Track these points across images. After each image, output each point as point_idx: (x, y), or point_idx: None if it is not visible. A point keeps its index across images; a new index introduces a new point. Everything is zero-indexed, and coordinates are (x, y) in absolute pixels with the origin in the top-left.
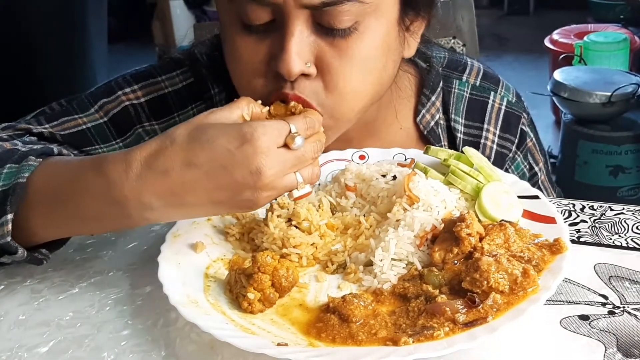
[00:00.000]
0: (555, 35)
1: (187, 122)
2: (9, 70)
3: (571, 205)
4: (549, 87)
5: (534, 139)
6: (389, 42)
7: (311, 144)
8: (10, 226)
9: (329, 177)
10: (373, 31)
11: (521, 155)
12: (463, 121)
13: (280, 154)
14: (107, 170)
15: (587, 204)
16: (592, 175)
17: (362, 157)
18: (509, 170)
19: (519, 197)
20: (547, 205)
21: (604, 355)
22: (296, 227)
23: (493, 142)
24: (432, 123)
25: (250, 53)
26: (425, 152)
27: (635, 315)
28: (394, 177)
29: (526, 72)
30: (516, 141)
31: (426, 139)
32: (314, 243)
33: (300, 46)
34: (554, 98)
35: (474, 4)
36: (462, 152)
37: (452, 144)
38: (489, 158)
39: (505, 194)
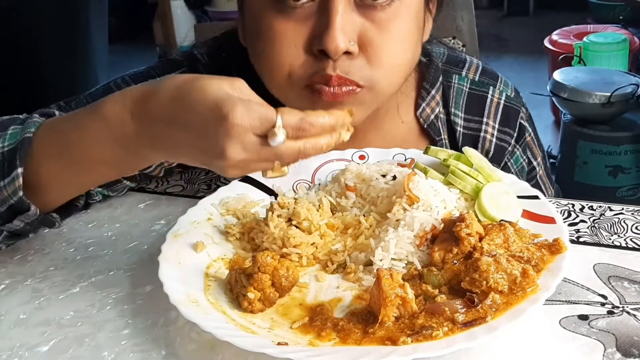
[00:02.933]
0: (555, 35)
1: (184, 76)
2: (11, 69)
3: (570, 205)
4: (548, 88)
5: (532, 134)
6: (419, 19)
7: (296, 144)
8: (21, 180)
9: (329, 177)
10: (409, 7)
11: (520, 149)
12: (463, 115)
13: (253, 143)
14: (107, 113)
15: (587, 204)
16: (592, 175)
17: (362, 157)
18: (508, 163)
19: (519, 197)
20: (547, 205)
21: (603, 355)
22: (296, 226)
23: (492, 135)
24: (432, 116)
25: (291, 35)
26: (425, 152)
27: (634, 315)
28: (394, 177)
29: (526, 72)
30: (515, 135)
31: (427, 132)
32: (314, 243)
33: (345, 24)
34: (553, 98)
35: (473, 5)
36: (461, 150)
37: (452, 138)
38: (488, 151)
39: (504, 194)
